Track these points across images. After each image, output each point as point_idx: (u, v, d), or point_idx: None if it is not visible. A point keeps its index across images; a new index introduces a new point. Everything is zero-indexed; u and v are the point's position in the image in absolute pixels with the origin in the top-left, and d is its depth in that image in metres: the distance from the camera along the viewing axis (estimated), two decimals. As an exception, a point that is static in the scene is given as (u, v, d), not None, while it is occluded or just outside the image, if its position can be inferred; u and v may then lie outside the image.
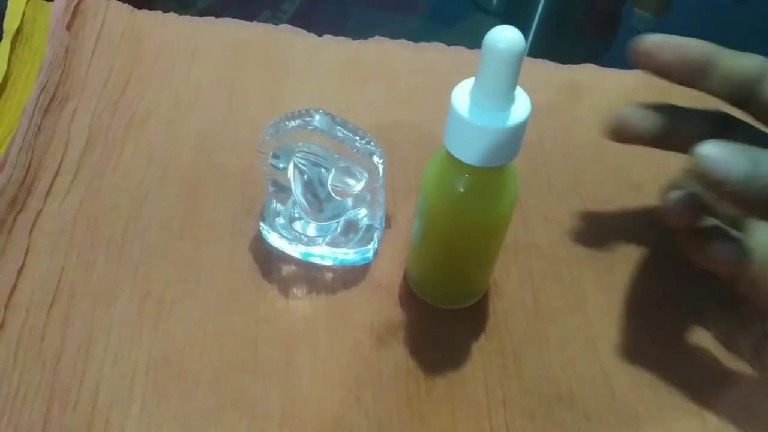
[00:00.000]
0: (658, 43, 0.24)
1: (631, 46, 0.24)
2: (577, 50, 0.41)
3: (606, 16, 0.46)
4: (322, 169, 0.26)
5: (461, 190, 0.21)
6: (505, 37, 0.17)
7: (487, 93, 0.18)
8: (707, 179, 0.19)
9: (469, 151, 0.19)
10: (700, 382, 0.25)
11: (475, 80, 0.19)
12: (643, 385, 0.25)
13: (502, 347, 0.26)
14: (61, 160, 0.30)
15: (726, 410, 0.24)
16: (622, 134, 0.25)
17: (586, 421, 0.24)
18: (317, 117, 0.24)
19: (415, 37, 0.37)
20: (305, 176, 0.26)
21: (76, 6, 0.33)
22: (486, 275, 0.26)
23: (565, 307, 0.27)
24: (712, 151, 0.19)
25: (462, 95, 0.19)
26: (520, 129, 0.19)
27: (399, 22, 0.44)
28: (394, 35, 0.37)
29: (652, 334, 0.26)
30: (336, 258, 0.28)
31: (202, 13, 0.36)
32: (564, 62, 0.36)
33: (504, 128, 0.18)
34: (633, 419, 0.24)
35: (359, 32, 0.36)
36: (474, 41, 0.37)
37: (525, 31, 0.51)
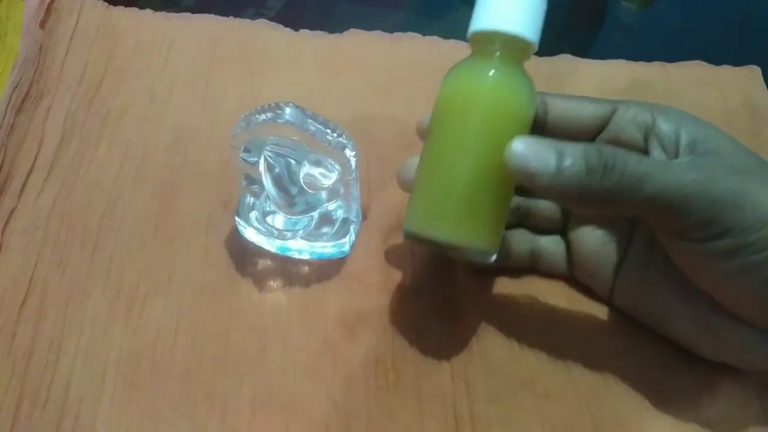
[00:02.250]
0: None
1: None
2: (564, 42, 0.41)
3: (592, 8, 0.46)
4: (293, 163, 0.25)
5: (492, 76, 0.21)
6: None
7: None
8: (519, 175, 0.21)
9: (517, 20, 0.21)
10: (659, 360, 0.25)
11: None
12: (602, 363, 0.25)
13: (467, 333, 0.26)
14: (35, 158, 0.29)
15: (684, 386, 0.25)
16: None
17: (546, 399, 0.24)
18: (288, 110, 0.24)
19: (403, 31, 0.36)
20: (276, 170, 0.25)
21: (50, 3, 0.33)
22: (506, 209, 0.23)
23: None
24: (521, 147, 0.20)
25: None
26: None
27: (385, 17, 0.44)
28: (382, 31, 0.36)
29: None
30: (313, 252, 0.27)
31: (187, 11, 0.36)
32: (550, 54, 0.36)
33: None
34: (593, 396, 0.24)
35: (345, 28, 0.36)
36: (462, 35, 0.37)
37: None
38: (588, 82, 0.35)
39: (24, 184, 0.28)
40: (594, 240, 0.26)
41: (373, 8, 0.44)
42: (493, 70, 0.21)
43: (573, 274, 0.27)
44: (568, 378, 0.25)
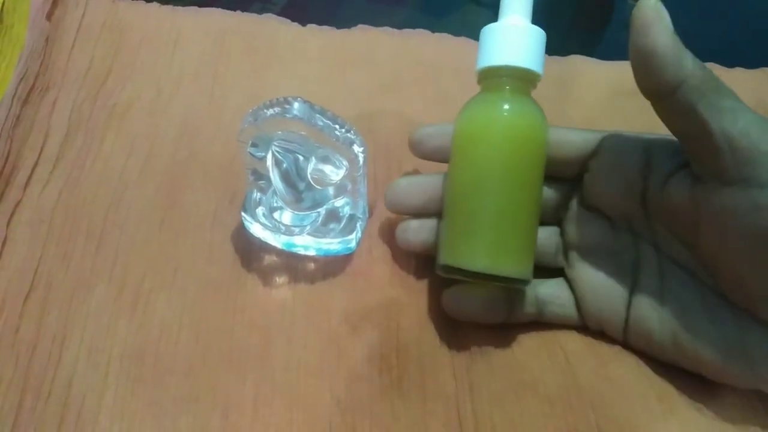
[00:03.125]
0: (427, 133, 0.26)
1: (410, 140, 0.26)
2: (570, 41, 0.41)
3: (599, 7, 0.46)
4: (301, 158, 0.25)
5: (507, 108, 0.23)
6: None
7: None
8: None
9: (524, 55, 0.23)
10: (664, 365, 0.25)
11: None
12: (608, 367, 0.25)
13: (471, 333, 0.26)
14: (41, 151, 0.29)
15: (689, 392, 0.24)
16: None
17: (550, 402, 0.24)
18: (296, 105, 0.24)
19: (407, 28, 0.36)
20: (283, 165, 0.25)
21: (57, -5, 0.33)
22: (535, 236, 0.24)
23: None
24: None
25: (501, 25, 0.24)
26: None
27: (390, 13, 0.44)
28: (386, 27, 0.36)
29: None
30: (319, 248, 0.27)
31: (193, 2, 0.36)
32: (556, 53, 0.36)
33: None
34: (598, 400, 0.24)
35: (350, 24, 0.36)
36: (466, 32, 0.36)
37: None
38: (598, 84, 0.34)
39: (29, 177, 0.28)
40: (599, 275, 0.25)
41: (377, 4, 0.44)
42: (509, 103, 0.23)
43: (582, 318, 0.26)
44: (573, 382, 0.24)
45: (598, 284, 0.25)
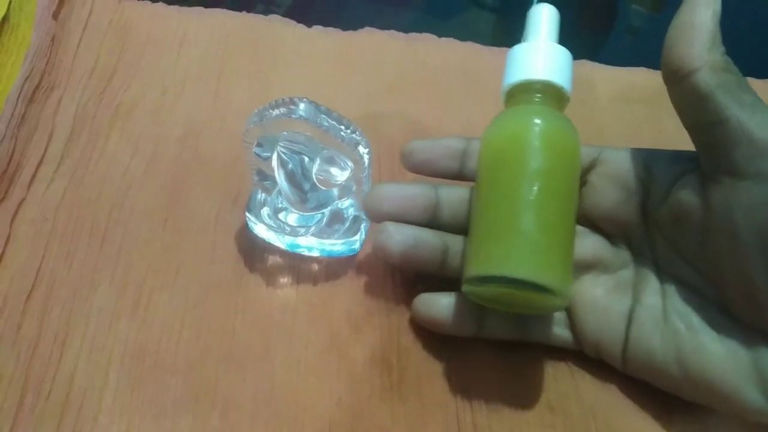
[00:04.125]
0: (418, 146, 0.26)
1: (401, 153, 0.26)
2: (573, 46, 0.41)
3: (602, 12, 0.46)
4: (306, 159, 0.25)
5: (545, 119, 0.22)
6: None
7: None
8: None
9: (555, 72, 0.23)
10: None
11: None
12: (607, 376, 0.25)
13: (472, 339, 0.25)
14: (45, 150, 0.29)
15: (691, 405, 0.24)
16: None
17: (550, 410, 0.24)
18: (302, 106, 0.24)
19: (411, 30, 0.36)
20: (289, 166, 0.25)
21: (64, -5, 0.33)
22: (572, 249, 0.22)
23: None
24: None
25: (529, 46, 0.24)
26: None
27: (394, 15, 0.44)
28: (389, 29, 0.36)
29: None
30: (323, 249, 0.27)
31: (198, 2, 0.36)
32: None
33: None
34: (597, 409, 0.24)
35: (354, 26, 0.36)
36: (469, 36, 0.37)
37: (521, 26, 0.50)
38: (605, 89, 0.34)
39: (33, 175, 0.28)
40: (596, 292, 0.24)
41: (381, 6, 0.44)
42: (542, 115, 0.22)
43: (577, 339, 0.24)
44: (573, 390, 0.24)
45: (595, 302, 0.23)
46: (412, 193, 0.25)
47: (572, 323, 0.24)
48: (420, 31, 0.36)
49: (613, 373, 0.24)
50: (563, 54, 0.23)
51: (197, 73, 0.33)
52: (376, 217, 0.25)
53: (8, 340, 0.24)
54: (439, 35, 0.36)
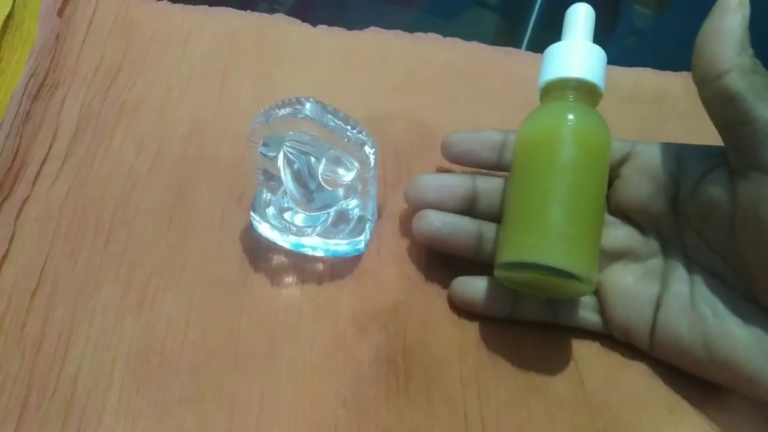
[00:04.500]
0: (458, 138, 0.27)
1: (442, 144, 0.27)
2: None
3: (605, 12, 0.46)
4: (312, 159, 0.25)
5: (580, 115, 0.23)
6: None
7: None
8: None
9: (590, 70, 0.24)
10: (672, 373, 0.25)
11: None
12: (616, 375, 0.25)
13: (479, 337, 0.26)
14: (50, 147, 0.29)
15: (695, 399, 0.24)
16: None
17: (559, 408, 0.24)
18: (308, 105, 0.24)
19: (414, 30, 0.36)
20: (295, 165, 0.25)
21: (69, -8, 0.33)
22: (599, 241, 0.24)
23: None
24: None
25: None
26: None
27: (398, 15, 0.44)
28: (393, 29, 0.36)
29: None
30: (327, 249, 0.27)
31: (200, 2, 0.36)
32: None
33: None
34: (605, 407, 0.24)
35: (357, 25, 0.36)
36: (472, 35, 0.36)
37: (523, 27, 0.50)
38: (611, 89, 0.34)
39: (38, 173, 0.28)
40: (626, 279, 0.25)
41: (384, 6, 0.44)
42: (575, 112, 0.23)
43: (606, 324, 0.25)
44: (582, 388, 0.24)
45: (625, 289, 0.25)
46: (451, 183, 0.26)
47: (602, 308, 0.25)
48: (422, 31, 0.36)
49: (622, 373, 0.25)
50: (597, 53, 0.24)
51: (202, 71, 0.33)
52: (417, 206, 0.26)
53: (13, 339, 0.24)
54: (442, 35, 0.36)
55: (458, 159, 0.27)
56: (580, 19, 0.25)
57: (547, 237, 0.22)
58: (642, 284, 0.24)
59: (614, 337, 0.25)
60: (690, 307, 0.23)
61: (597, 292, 0.26)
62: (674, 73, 0.36)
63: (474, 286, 0.26)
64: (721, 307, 0.22)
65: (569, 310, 0.25)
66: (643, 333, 0.24)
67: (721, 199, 0.22)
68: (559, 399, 0.24)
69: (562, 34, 0.25)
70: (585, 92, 0.24)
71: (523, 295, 0.25)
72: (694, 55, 0.21)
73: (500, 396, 0.24)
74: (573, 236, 0.22)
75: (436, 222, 0.26)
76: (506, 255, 0.23)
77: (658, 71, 0.36)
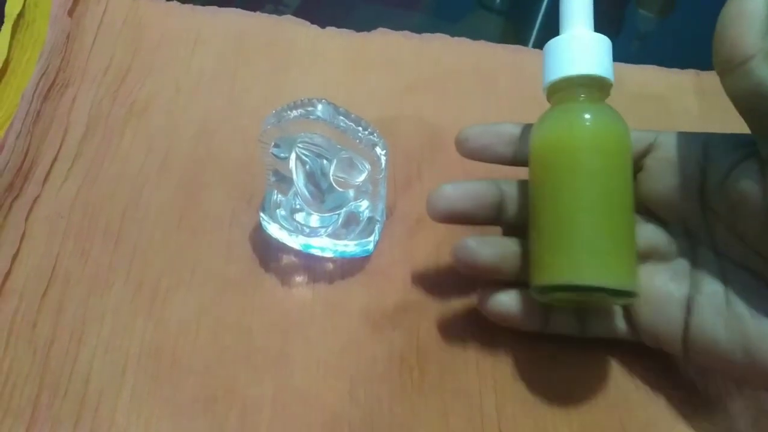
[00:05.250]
0: (472, 133, 0.26)
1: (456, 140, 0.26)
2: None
3: (610, 16, 0.46)
4: (324, 160, 0.25)
5: (592, 115, 0.22)
6: None
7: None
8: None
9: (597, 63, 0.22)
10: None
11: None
12: (634, 371, 0.25)
13: (494, 333, 0.25)
14: (60, 147, 0.29)
15: (715, 396, 0.24)
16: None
17: (576, 403, 0.24)
18: (320, 106, 0.24)
19: (419, 32, 0.36)
20: (307, 166, 0.25)
21: (79, -8, 0.33)
22: (634, 243, 0.22)
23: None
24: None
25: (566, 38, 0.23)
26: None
27: (402, 17, 0.44)
28: (398, 30, 0.36)
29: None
30: (336, 250, 0.27)
31: (206, 3, 0.36)
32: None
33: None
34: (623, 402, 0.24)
35: (362, 27, 0.36)
36: (477, 38, 0.37)
37: (529, 29, 0.50)
38: (620, 86, 0.34)
39: (48, 172, 0.28)
40: (653, 282, 0.23)
41: (389, 8, 0.44)
42: (593, 111, 0.22)
43: (634, 330, 0.24)
44: (599, 384, 0.25)
45: (653, 292, 0.23)
46: (477, 190, 0.25)
47: (630, 315, 0.24)
48: (428, 32, 0.36)
49: (638, 368, 0.25)
50: (602, 42, 0.23)
51: (211, 72, 0.33)
52: (445, 218, 0.25)
53: (24, 338, 0.24)
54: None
55: (474, 155, 0.26)
56: (577, 6, 0.23)
57: (582, 254, 0.21)
58: (670, 286, 0.23)
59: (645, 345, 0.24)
60: (725, 308, 0.22)
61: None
62: (682, 70, 0.36)
63: (505, 301, 0.24)
64: (758, 305, 0.21)
65: (598, 321, 0.24)
66: (675, 338, 0.23)
67: (752, 191, 0.20)
68: (577, 395, 0.24)
69: (560, 26, 0.23)
70: (595, 88, 0.23)
71: (555, 309, 0.24)
72: (714, 41, 0.20)
73: (517, 391, 0.24)
74: (609, 249, 0.21)
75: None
76: (542, 278, 0.22)
77: (666, 69, 0.36)
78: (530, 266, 0.23)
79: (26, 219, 0.27)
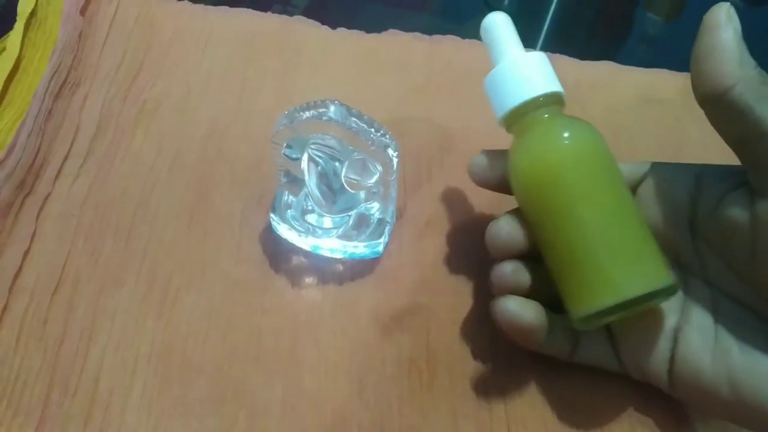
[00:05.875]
0: (479, 165, 0.24)
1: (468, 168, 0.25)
2: (589, 51, 0.41)
3: (618, 18, 0.46)
4: (336, 162, 0.25)
5: (566, 134, 0.21)
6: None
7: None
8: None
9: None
10: None
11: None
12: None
13: (504, 338, 0.25)
14: (71, 145, 0.29)
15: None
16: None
17: (586, 408, 0.24)
18: (332, 108, 0.24)
19: (426, 33, 0.36)
20: (319, 168, 0.25)
21: (91, -9, 0.33)
22: (650, 236, 0.21)
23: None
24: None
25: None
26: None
27: (410, 18, 0.44)
28: (406, 32, 0.36)
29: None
30: (346, 252, 0.27)
31: (216, 3, 0.36)
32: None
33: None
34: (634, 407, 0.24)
35: (369, 28, 0.36)
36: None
37: (536, 31, 0.50)
38: (628, 90, 0.34)
39: (59, 171, 0.28)
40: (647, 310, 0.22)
41: (397, 9, 0.44)
42: (567, 128, 0.21)
43: (619, 357, 0.24)
44: (611, 390, 0.24)
45: (639, 322, 0.23)
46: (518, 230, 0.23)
47: (615, 346, 0.24)
48: (436, 34, 0.36)
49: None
50: (542, 59, 0.23)
51: (222, 72, 0.33)
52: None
53: (35, 336, 0.24)
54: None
55: (490, 188, 0.25)
56: (504, 33, 0.23)
57: (615, 269, 0.20)
58: (658, 316, 0.22)
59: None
60: (713, 340, 0.21)
61: (608, 328, 0.24)
62: (690, 74, 0.36)
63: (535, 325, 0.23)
64: (747, 338, 0.20)
65: (586, 348, 0.24)
66: (661, 370, 0.22)
67: (742, 221, 0.20)
68: (586, 401, 0.24)
69: (493, 59, 0.23)
70: (554, 103, 0.22)
71: (557, 329, 0.23)
72: (693, 78, 0.20)
73: (527, 394, 0.24)
74: (637, 253, 0.20)
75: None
76: (578, 310, 0.21)
77: (674, 72, 0.36)
78: (565, 298, 0.22)
79: (37, 217, 0.27)
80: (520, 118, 0.23)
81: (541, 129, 0.22)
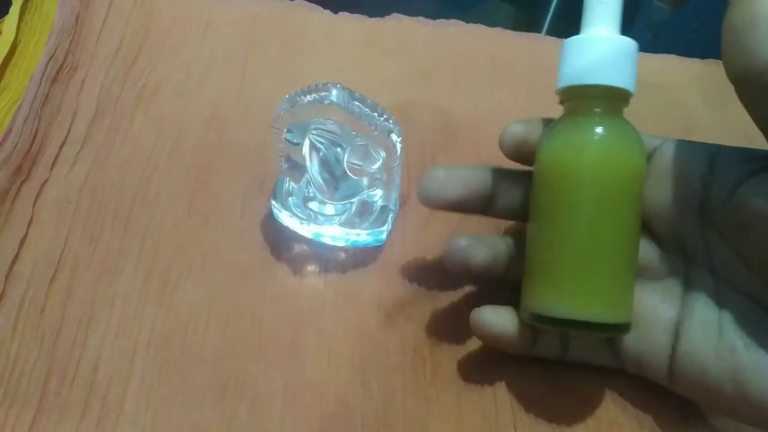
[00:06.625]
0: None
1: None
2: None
3: (624, 6, 0.45)
4: (338, 147, 0.25)
5: (601, 135, 0.20)
6: None
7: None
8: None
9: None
10: None
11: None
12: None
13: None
14: (69, 130, 0.29)
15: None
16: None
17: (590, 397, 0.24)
18: (334, 91, 0.23)
19: (431, 19, 0.36)
20: (321, 153, 0.25)
21: (88, -26, 0.32)
22: (630, 274, 0.21)
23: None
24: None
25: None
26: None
27: (414, 3, 0.43)
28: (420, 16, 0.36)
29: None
30: (348, 239, 0.27)
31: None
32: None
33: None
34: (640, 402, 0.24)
35: (372, 12, 0.35)
36: (490, 26, 0.36)
37: (541, 19, 0.50)
38: (639, 76, 0.34)
39: (57, 156, 0.28)
40: (640, 303, 0.22)
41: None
42: (602, 128, 0.20)
43: (617, 357, 0.23)
44: (616, 384, 0.24)
45: (640, 313, 0.22)
46: (471, 178, 0.23)
47: (613, 339, 0.23)
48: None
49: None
50: (626, 47, 0.20)
51: (223, 56, 0.32)
52: (433, 205, 0.23)
53: (32, 324, 0.24)
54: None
55: (522, 162, 0.23)
56: (614, 3, 0.21)
57: (575, 287, 0.20)
58: (659, 309, 0.21)
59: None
60: (717, 336, 0.20)
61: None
62: (696, 60, 0.36)
63: (498, 324, 0.22)
64: (755, 336, 0.19)
65: (580, 345, 0.23)
66: (661, 366, 0.21)
67: (762, 210, 0.18)
68: (591, 391, 0.24)
69: (582, 23, 0.21)
70: (614, 100, 0.21)
71: (541, 331, 0.23)
72: (724, 51, 0.18)
73: (532, 386, 0.24)
74: (612, 286, 0.20)
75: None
76: (537, 306, 0.21)
77: (681, 58, 0.36)
78: (523, 284, 0.22)
79: (34, 203, 0.26)
80: (574, 98, 0.21)
81: (582, 121, 0.21)
